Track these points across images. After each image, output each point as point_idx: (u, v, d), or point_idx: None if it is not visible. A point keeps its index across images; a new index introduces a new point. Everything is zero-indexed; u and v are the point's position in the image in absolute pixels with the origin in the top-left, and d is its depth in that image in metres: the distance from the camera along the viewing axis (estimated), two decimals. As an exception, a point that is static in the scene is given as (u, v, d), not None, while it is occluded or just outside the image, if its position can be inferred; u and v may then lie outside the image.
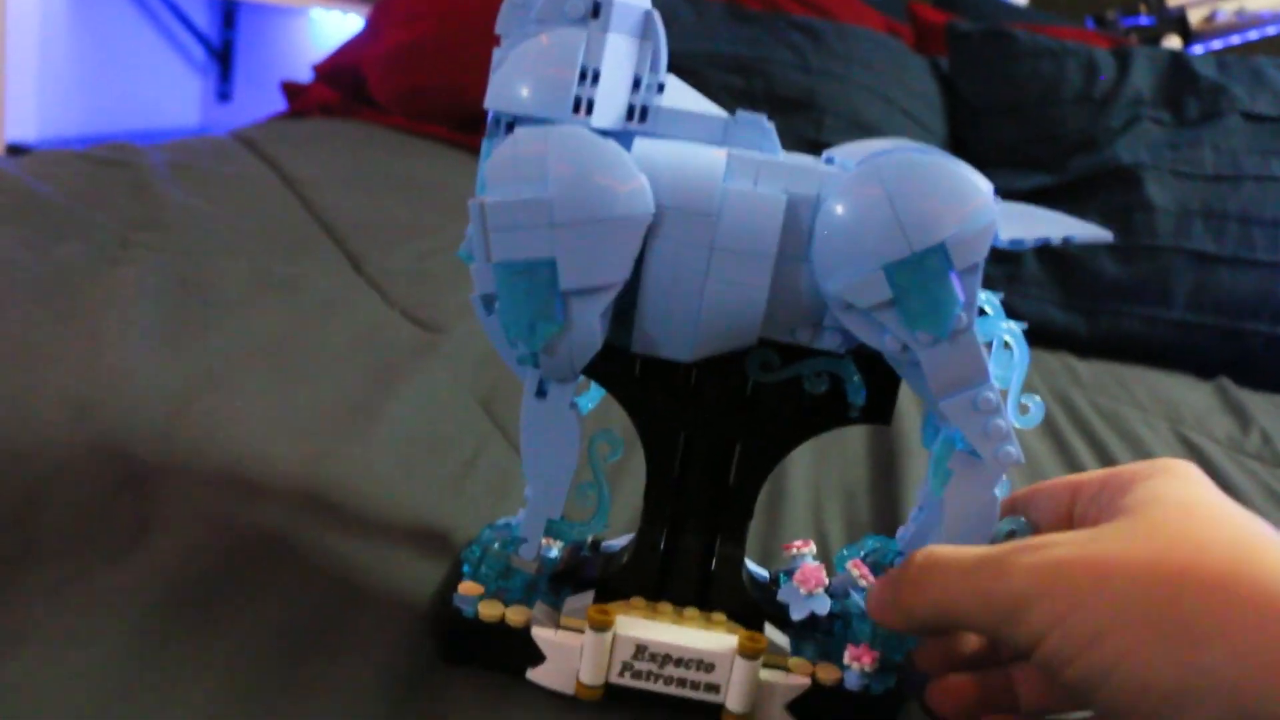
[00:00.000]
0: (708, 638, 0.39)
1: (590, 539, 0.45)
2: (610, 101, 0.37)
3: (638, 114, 0.38)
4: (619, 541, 0.45)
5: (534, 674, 0.39)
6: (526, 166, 0.35)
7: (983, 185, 0.36)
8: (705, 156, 0.37)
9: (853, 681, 0.39)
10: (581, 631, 0.38)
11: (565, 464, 0.40)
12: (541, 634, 0.39)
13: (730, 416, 0.41)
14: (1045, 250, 1.14)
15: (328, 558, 0.44)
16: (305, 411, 0.57)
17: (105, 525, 0.43)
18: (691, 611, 0.41)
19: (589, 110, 0.36)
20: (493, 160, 0.36)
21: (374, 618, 0.41)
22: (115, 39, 2.33)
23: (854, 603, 0.41)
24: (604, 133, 0.36)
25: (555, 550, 0.42)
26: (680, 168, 0.36)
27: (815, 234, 0.36)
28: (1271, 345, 1.09)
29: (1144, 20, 1.68)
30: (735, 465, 0.41)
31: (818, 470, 0.65)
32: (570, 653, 0.38)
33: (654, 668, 0.38)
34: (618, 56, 0.37)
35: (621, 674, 0.38)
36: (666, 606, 0.41)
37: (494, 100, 0.37)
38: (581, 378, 0.39)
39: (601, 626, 0.37)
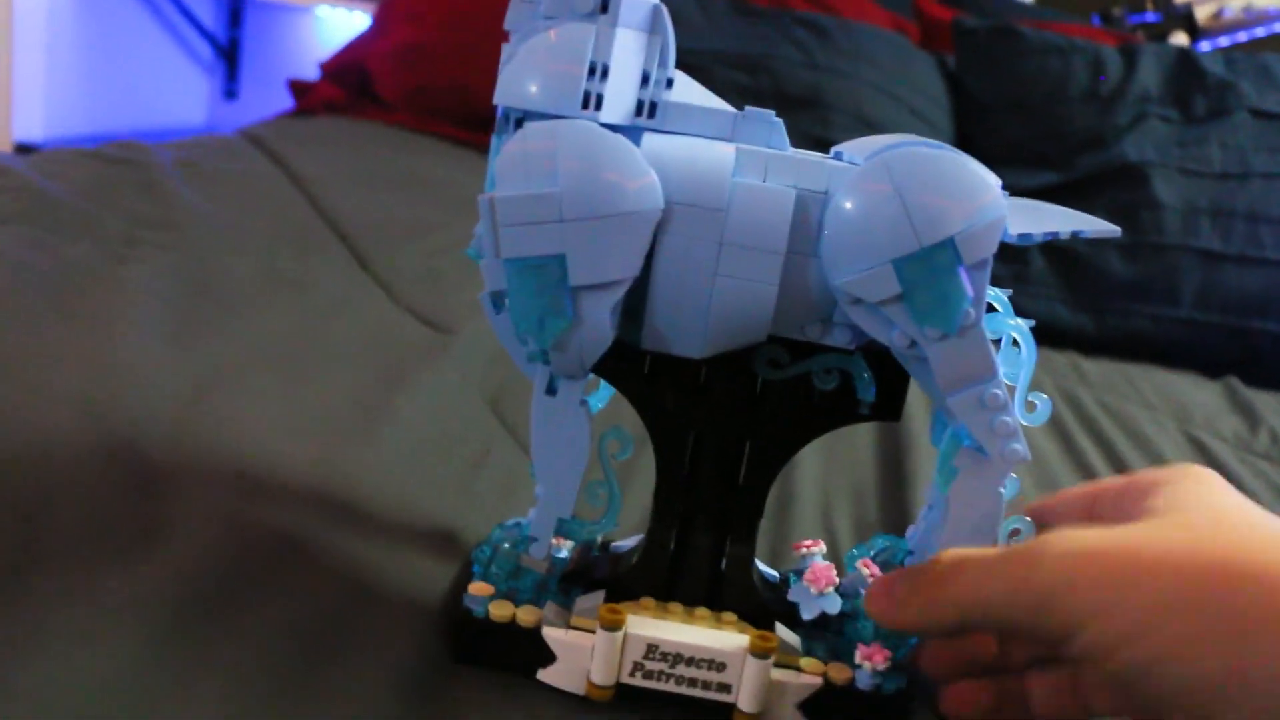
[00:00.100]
0: (719, 637, 0.39)
1: (600, 539, 0.45)
2: (619, 97, 0.37)
3: (646, 109, 0.38)
4: (629, 541, 0.44)
5: (545, 674, 0.39)
6: (536, 162, 0.35)
7: (991, 180, 0.36)
8: (714, 152, 0.36)
9: (864, 681, 0.39)
10: (592, 631, 0.38)
11: (576, 462, 0.40)
12: (552, 634, 0.38)
13: (740, 414, 0.40)
14: (1052, 249, 1.14)
15: (337, 558, 0.44)
16: (314, 411, 0.57)
17: (115, 526, 0.43)
18: (702, 611, 0.41)
19: (598, 105, 0.36)
20: (502, 156, 0.36)
21: (384, 618, 0.41)
22: (122, 38, 2.33)
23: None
24: (613, 128, 0.36)
25: (565, 550, 0.42)
26: (689, 163, 0.36)
27: (824, 229, 0.36)
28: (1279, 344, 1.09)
29: (1151, 17, 1.67)
30: (745, 463, 0.41)
31: (827, 470, 0.64)
32: (581, 653, 0.38)
33: (665, 667, 0.38)
34: (626, 51, 0.37)
35: (633, 674, 0.38)
36: (677, 606, 0.41)
37: (503, 96, 0.37)
38: (591, 376, 0.39)
39: (613, 626, 0.37)
